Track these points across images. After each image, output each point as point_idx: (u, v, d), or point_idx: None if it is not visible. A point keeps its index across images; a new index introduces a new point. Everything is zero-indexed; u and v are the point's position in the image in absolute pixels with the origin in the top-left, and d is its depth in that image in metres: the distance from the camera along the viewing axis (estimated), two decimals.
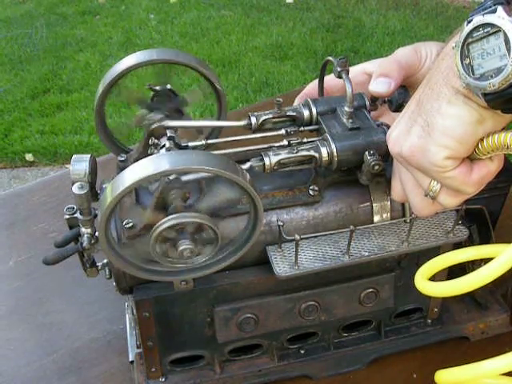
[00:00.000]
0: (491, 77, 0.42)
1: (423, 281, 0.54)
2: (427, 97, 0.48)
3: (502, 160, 0.50)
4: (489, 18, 0.42)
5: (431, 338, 0.74)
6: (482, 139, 0.47)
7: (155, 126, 0.60)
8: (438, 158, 0.48)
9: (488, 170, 0.49)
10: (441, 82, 0.47)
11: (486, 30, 0.43)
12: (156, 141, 0.59)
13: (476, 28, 0.44)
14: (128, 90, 0.66)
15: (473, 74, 0.44)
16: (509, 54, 0.41)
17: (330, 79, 0.68)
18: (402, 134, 0.51)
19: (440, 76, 0.47)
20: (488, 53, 0.43)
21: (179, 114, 0.65)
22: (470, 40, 0.44)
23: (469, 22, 0.44)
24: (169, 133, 0.60)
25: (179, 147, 0.59)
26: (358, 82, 0.64)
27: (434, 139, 0.47)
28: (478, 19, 0.43)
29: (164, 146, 0.58)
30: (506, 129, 0.47)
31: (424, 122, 0.48)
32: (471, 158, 0.49)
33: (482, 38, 0.43)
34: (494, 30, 0.42)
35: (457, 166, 0.48)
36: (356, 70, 0.67)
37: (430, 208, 0.55)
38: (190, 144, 0.60)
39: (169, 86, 0.64)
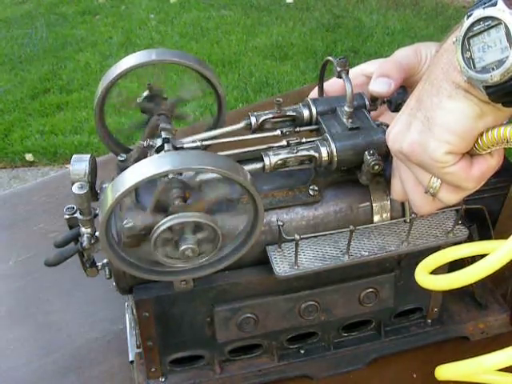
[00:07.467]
0: (493, 69, 0.42)
1: (423, 274, 0.54)
2: (427, 92, 0.48)
3: (502, 155, 0.50)
4: (489, 12, 0.43)
5: (431, 337, 0.74)
6: (481, 134, 0.47)
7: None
8: (438, 153, 0.48)
9: (488, 165, 0.49)
10: (441, 78, 0.47)
11: (486, 24, 0.43)
12: (151, 143, 0.59)
13: (476, 22, 0.44)
14: (123, 95, 0.66)
15: (474, 68, 0.44)
16: (510, 47, 0.41)
17: (330, 85, 0.68)
18: (402, 131, 0.51)
19: (440, 71, 0.47)
20: (489, 46, 0.43)
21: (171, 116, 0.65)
22: (470, 34, 0.44)
23: (469, 16, 0.44)
24: (164, 134, 0.59)
25: (175, 149, 0.59)
26: (356, 83, 0.63)
27: (435, 134, 0.47)
28: (478, 13, 0.43)
29: (160, 147, 0.58)
30: (505, 123, 0.47)
31: (424, 117, 0.48)
32: (471, 154, 0.49)
33: (482, 32, 0.43)
34: (495, 22, 0.42)
35: (457, 162, 0.48)
36: (354, 72, 0.66)
37: (431, 205, 0.55)
38: (186, 146, 0.60)
39: (164, 95, 0.65)
